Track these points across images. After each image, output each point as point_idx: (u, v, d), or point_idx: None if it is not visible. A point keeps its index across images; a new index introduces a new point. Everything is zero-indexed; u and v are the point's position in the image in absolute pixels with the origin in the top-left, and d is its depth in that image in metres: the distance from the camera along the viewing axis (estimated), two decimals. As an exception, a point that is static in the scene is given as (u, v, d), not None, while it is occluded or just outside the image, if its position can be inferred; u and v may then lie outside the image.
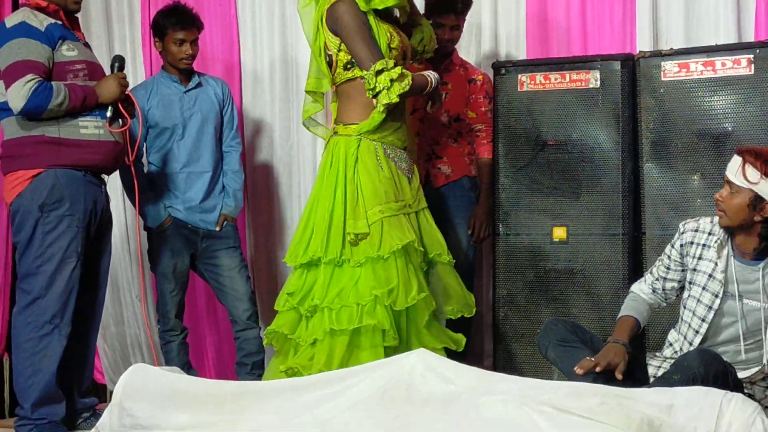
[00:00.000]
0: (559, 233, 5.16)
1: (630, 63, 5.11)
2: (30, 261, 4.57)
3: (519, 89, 5.24)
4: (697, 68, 4.93)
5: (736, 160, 4.05)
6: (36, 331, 4.53)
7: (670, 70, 4.98)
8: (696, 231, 4.26)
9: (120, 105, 4.68)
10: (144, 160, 5.38)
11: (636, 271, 4.95)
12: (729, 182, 4.04)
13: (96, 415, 4.65)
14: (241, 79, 6.35)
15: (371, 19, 4.56)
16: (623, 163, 5.07)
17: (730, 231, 4.12)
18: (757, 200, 3.98)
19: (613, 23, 5.69)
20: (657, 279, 4.38)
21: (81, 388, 4.86)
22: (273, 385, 4.15)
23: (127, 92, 4.76)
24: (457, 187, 5.43)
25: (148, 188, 5.37)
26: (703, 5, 5.48)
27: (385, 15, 4.68)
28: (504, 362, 5.18)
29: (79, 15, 4.92)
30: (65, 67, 4.59)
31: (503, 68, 5.32)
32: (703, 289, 4.19)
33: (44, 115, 4.51)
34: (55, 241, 4.55)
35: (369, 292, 4.42)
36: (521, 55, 5.77)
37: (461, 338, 4.71)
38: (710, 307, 4.16)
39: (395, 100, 4.43)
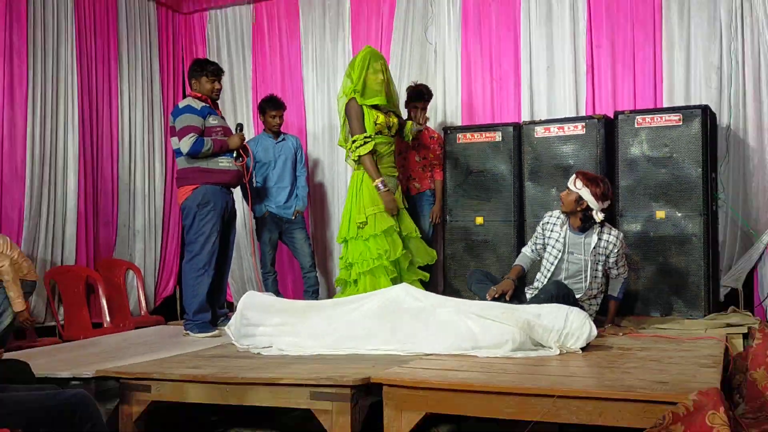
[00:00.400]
0: (479, 220, 5.13)
1: (518, 127, 5.09)
2: (191, 235, 4.58)
3: (457, 141, 5.21)
4: (554, 130, 4.93)
5: (572, 176, 4.10)
6: (195, 272, 4.56)
7: (539, 132, 4.97)
8: (550, 217, 4.28)
9: (240, 150, 4.67)
10: (254, 180, 5.38)
11: (521, 241, 4.93)
12: (568, 188, 4.08)
13: (227, 318, 4.66)
14: (306, 134, 6.31)
15: (364, 108, 4.67)
16: (513, 183, 5.05)
17: (566, 215, 4.14)
18: (579, 199, 4.02)
19: (509, 104, 5.63)
20: (533, 243, 4.39)
21: (219, 304, 4.87)
22: (323, 303, 4.18)
23: (244, 143, 4.74)
24: (424, 196, 5.38)
25: (256, 195, 5.35)
26: (557, 94, 5.44)
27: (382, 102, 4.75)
28: (449, 290, 5.16)
29: (218, 101, 4.92)
30: (210, 130, 4.60)
31: (449, 130, 5.30)
32: (553, 247, 4.21)
33: (199, 156, 4.53)
34: (205, 224, 4.55)
35: (375, 252, 4.55)
36: (458, 122, 5.72)
37: (427, 275, 4.81)
38: (556, 258, 4.18)
39: (355, 158, 4.66)
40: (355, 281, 4.64)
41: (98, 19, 5.82)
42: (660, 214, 4.63)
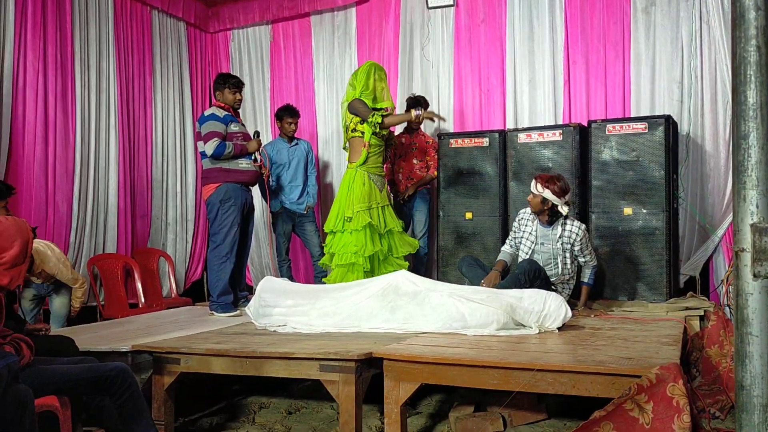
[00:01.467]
0: (469, 215, 5.12)
1: (503, 133, 5.08)
2: (215, 227, 4.58)
3: (450, 146, 5.20)
4: (535, 136, 4.90)
5: (533, 181, 4.11)
6: (218, 260, 4.55)
7: (522, 138, 4.95)
8: (523, 214, 4.27)
9: (258, 154, 4.67)
10: (270, 179, 5.37)
11: (504, 233, 4.91)
12: (532, 192, 4.09)
13: (247, 300, 4.67)
14: (317, 139, 6.30)
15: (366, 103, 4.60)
16: (499, 182, 5.03)
17: (535, 213, 4.14)
18: (544, 200, 4.02)
19: (495, 113, 5.61)
20: (512, 239, 4.36)
21: (240, 287, 4.87)
22: (330, 286, 4.16)
23: (261, 148, 4.74)
24: (420, 194, 5.36)
25: (272, 193, 5.34)
26: (538, 105, 5.42)
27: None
28: (442, 277, 5.12)
29: (240, 110, 4.92)
30: (232, 135, 4.60)
31: (443, 136, 5.27)
32: (527, 240, 4.19)
33: (222, 158, 4.53)
34: (227, 218, 4.55)
35: (353, 247, 4.50)
36: (451, 129, 5.71)
37: (406, 263, 4.70)
38: (529, 249, 4.18)
39: (379, 120, 4.49)
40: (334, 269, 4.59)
41: (135, 37, 5.81)
42: (627, 210, 4.62)
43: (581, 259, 4.20)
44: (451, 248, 5.19)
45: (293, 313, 3.85)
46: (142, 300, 5.29)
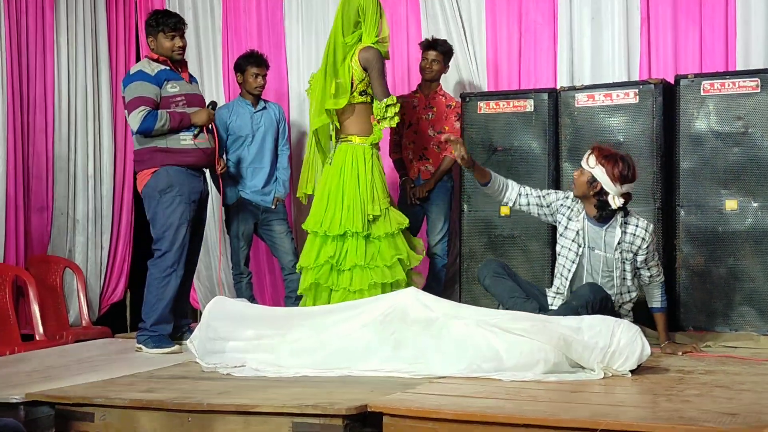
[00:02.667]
0: (505, 211, 5.09)
1: (554, 94, 5.09)
2: (158, 229, 4.66)
3: (478, 111, 5.20)
4: (600, 98, 4.92)
5: (586, 152, 4.11)
6: (162, 273, 4.62)
7: (581, 100, 4.96)
8: (566, 200, 4.26)
9: (205, 128, 4.70)
10: (223, 160, 5.37)
11: (555, 236, 4.85)
12: (581, 166, 4.09)
13: (190, 330, 4.67)
14: (288, 101, 6.30)
15: None
16: (548, 163, 5.04)
17: (579, 200, 4.16)
18: (593, 180, 4.02)
19: (541, 65, 5.61)
20: (532, 194, 4.30)
21: (182, 312, 4.90)
22: (310, 310, 4.18)
23: (212, 122, 4.78)
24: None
25: (227, 177, 5.35)
26: (604, 53, 5.43)
27: None
28: (466, 297, 5.14)
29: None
30: (169, 99, 4.65)
31: (468, 97, 5.28)
32: (572, 241, 4.19)
33: (153, 134, 4.60)
34: (171, 213, 4.62)
35: (390, 257, 4.53)
36: (482, 87, 5.71)
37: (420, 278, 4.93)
38: (576, 255, 4.18)
39: (393, 125, 4.62)
40: (358, 291, 4.51)
41: (30, -47, 5.79)
42: (731, 204, 4.62)
43: (645, 273, 4.20)
44: (479, 257, 5.18)
45: (255, 348, 3.85)
46: (40, 329, 5.28)
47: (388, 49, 4.76)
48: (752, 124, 4.59)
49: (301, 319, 3.95)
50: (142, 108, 4.54)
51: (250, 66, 5.45)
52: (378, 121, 4.59)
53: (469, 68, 5.82)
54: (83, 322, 5.79)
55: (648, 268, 4.17)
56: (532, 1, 5.64)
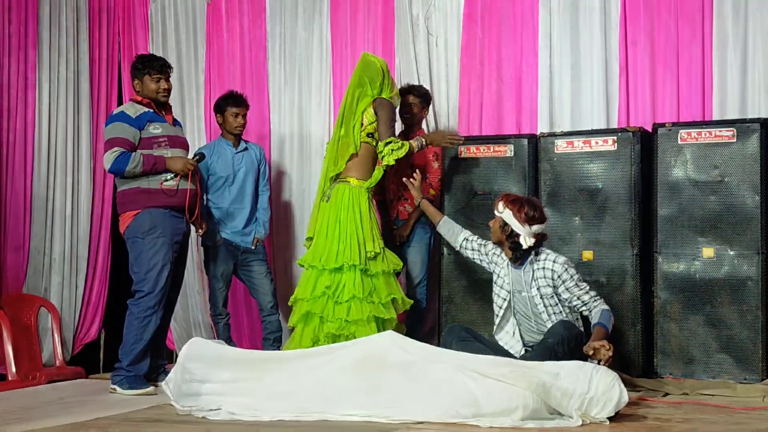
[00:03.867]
0: (484, 254, 5.13)
1: (534, 140, 5.12)
2: (141, 271, 4.67)
3: (459, 155, 5.23)
4: (579, 145, 4.95)
5: (497, 199, 4.34)
6: (142, 313, 4.62)
7: (560, 146, 4.99)
8: (495, 247, 4.47)
9: (179, 176, 4.74)
10: (204, 198, 5.36)
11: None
12: (495, 212, 4.31)
13: (165, 372, 4.64)
14: (270, 143, 6.30)
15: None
16: (528, 208, 5.06)
17: (495, 244, 4.41)
18: (504, 225, 4.25)
19: (523, 110, 5.64)
20: (474, 242, 4.61)
21: (159, 353, 4.87)
22: (287, 354, 4.17)
23: (191, 170, 4.79)
24: (416, 222, 5.37)
25: (207, 217, 5.34)
26: (584, 101, 5.47)
27: None
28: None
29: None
30: (152, 140, 4.70)
31: (449, 141, 5.32)
32: (501, 288, 4.42)
33: (125, 175, 4.65)
34: (154, 255, 4.64)
35: (386, 295, 4.68)
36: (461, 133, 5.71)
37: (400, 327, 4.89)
38: (504, 300, 4.39)
39: (392, 162, 4.77)
40: (356, 321, 4.60)
41: (13, -6, 5.83)
42: (708, 252, 4.65)
43: (577, 303, 4.24)
44: (459, 301, 5.18)
45: (232, 391, 3.82)
46: (13, 369, 5.22)
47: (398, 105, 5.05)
48: (728, 173, 4.64)
49: (278, 362, 3.93)
50: (116, 149, 4.59)
51: (230, 106, 5.47)
52: (381, 158, 4.80)
53: (447, 113, 5.87)
54: (57, 362, 5.71)
55: (577, 297, 4.24)
56: (514, 48, 5.68)
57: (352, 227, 4.73)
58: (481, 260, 4.58)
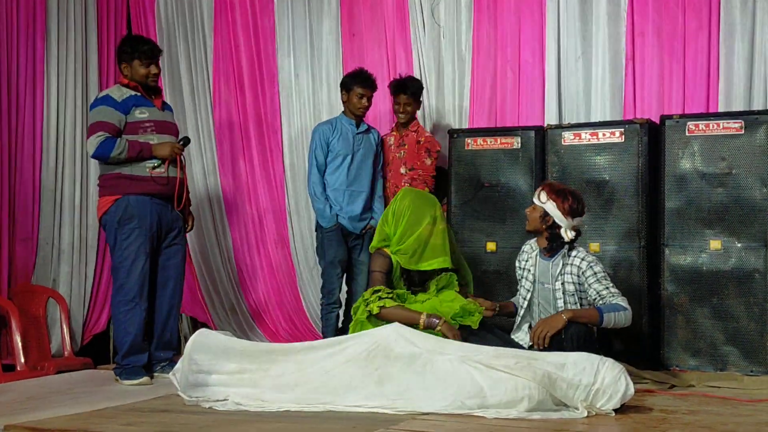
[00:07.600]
0: (491, 246, 5.13)
1: (541, 132, 5.12)
2: (114, 259, 4.68)
3: (465, 148, 5.23)
4: (586, 137, 4.95)
5: (537, 189, 4.27)
6: (124, 305, 4.62)
7: (567, 138, 4.99)
8: (525, 245, 4.42)
9: (168, 162, 4.68)
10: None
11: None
12: (534, 202, 4.22)
13: (172, 363, 4.64)
14: (282, 136, 6.32)
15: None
16: (535, 200, 5.06)
17: (533, 235, 4.30)
18: (545, 215, 4.15)
19: (529, 103, 5.63)
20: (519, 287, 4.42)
21: (162, 344, 4.87)
22: (293, 346, 4.14)
23: (178, 156, 4.74)
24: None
25: (324, 197, 5.25)
26: (591, 93, 5.46)
27: None
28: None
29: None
30: (137, 125, 4.66)
31: (455, 133, 5.32)
32: (526, 279, 4.34)
33: (109, 161, 4.61)
34: (129, 245, 4.61)
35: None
36: (467, 124, 5.73)
37: None
38: (528, 291, 4.31)
39: (376, 310, 4.18)
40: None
41: (21, -13, 5.83)
42: (715, 244, 4.65)
43: (596, 297, 4.12)
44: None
45: (238, 382, 3.83)
46: (22, 360, 5.24)
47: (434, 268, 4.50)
48: (736, 165, 4.63)
49: (285, 354, 3.92)
50: (100, 133, 4.55)
51: (356, 86, 5.26)
52: (366, 304, 4.27)
53: (454, 106, 5.85)
54: (65, 352, 5.74)
55: (596, 291, 4.09)
56: (521, 40, 5.67)
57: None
58: (520, 278, 4.41)
